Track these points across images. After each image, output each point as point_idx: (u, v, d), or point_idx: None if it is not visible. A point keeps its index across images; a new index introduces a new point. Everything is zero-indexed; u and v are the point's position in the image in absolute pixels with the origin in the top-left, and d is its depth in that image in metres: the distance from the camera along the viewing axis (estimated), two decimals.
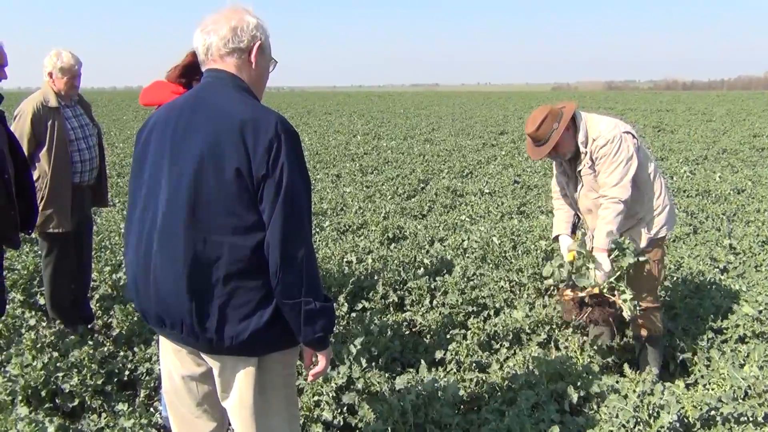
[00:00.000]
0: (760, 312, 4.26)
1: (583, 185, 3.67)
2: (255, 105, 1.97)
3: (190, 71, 3.02)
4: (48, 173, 3.95)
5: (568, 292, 3.60)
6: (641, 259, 3.50)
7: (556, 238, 3.89)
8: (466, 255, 5.96)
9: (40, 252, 4.41)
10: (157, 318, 2.02)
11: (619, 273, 3.47)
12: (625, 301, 3.40)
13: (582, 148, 3.57)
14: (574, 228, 3.91)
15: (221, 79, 2.02)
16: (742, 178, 10.36)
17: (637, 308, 3.49)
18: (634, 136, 3.57)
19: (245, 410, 2.08)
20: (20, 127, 3.94)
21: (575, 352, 3.93)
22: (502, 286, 4.98)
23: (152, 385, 3.58)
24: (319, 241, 6.60)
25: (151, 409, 3.31)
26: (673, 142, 16.21)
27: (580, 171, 3.63)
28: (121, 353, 3.82)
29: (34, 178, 3.92)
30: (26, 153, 3.89)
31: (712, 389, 3.51)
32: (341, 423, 3.17)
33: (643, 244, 3.63)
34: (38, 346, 3.56)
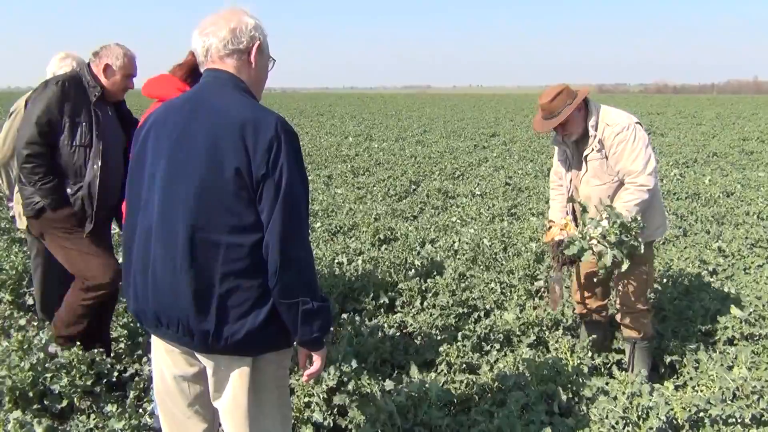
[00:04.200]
0: (749, 314, 4.29)
1: (587, 171, 3.68)
2: (255, 105, 1.98)
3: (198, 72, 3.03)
4: None
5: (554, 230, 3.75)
6: (622, 261, 3.47)
7: (551, 222, 3.92)
8: (457, 257, 5.96)
9: (29, 253, 4.38)
10: (154, 317, 2.01)
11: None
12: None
13: (591, 131, 3.59)
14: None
15: (221, 79, 2.03)
16: (732, 181, 10.42)
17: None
18: (643, 128, 3.62)
19: (238, 411, 2.07)
20: (17, 124, 3.92)
21: (565, 353, 3.94)
22: (493, 288, 4.99)
23: (141, 386, 3.56)
24: (311, 242, 6.58)
25: (140, 410, 3.30)
26: (663, 145, 16.30)
27: (587, 156, 3.65)
28: (111, 354, 3.80)
29: None
30: None
31: (701, 391, 3.53)
32: (331, 424, 3.17)
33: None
34: (26, 347, 3.54)
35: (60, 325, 3.60)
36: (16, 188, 3.99)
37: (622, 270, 3.44)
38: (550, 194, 4.07)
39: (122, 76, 3.53)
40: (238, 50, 2.04)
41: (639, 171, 3.48)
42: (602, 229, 3.42)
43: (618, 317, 3.88)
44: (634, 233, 3.40)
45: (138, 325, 4.08)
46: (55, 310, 4.21)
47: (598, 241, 3.44)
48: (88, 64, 3.54)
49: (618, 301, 3.84)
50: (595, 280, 3.89)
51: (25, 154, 3.34)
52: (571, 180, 3.82)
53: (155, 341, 2.17)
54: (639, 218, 3.43)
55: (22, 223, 3.98)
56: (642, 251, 3.45)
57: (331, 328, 3.95)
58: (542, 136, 18.76)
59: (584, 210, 3.55)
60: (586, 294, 4.00)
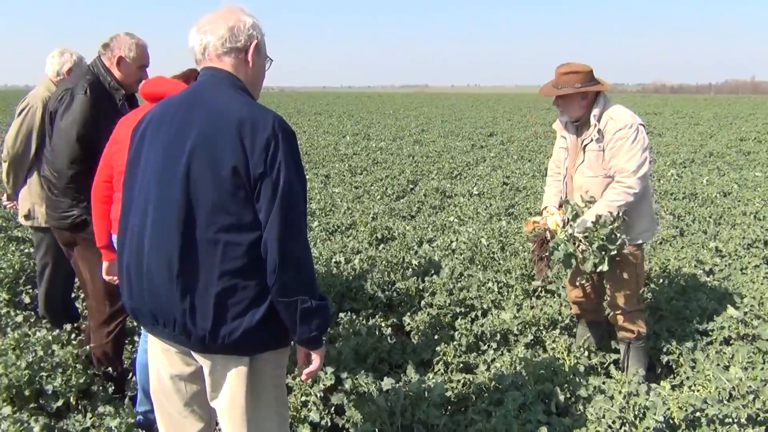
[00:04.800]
0: (745, 314, 4.29)
1: (583, 161, 3.68)
2: (252, 104, 1.99)
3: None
4: None
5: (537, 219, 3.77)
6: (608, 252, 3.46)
7: (545, 209, 3.92)
8: (455, 256, 5.96)
9: (34, 251, 4.33)
10: (150, 315, 2.01)
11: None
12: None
13: (593, 120, 3.59)
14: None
15: (218, 77, 2.04)
16: (729, 181, 10.44)
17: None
18: (646, 131, 3.63)
19: (236, 410, 2.07)
20: (29, 121, 3.93)
21: (562, 353, 3.95)
22: (490, 288, 4.99)
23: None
24: (309, 240, 6.57)
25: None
26: (661, 145, 16.32)
27: (585, 145, 3.65)
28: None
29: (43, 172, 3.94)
30: (34, 147, 3.91)
31: (698, 391, 3.54)
32: (329, 423, 3.17)
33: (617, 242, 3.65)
34: (22, 345, 3.53)
35: (105, 362, 3.52)
36: (28, 186, 4.00)
37: (603, 270, 3.43)
38: (547, 181, 4.07)
39: (137, 67, 3.41)
40: (236, 49, 2.04)
41: (630, 172, 3.47)
42: (586, 229, 3.43)
43: (611, 318, 3.88)
44: (617, 242, 3.41)
45: (135, 324, 4.08)
46: (58, 310, 4.22)
47: (581, 242, 3.44)
48: (99, 58, 3.41)
49: (609, 303, 3.84)
50: (586, 281, 3.90)
51: (71, 174, 3.22)
52: (567, 168, 3.82)
53: (152, 340, 2.16)
54: (620, 216, 3.42)
55: (30, 221, 3.99)
56: (623, 250, 3.46)
57: (330, 327, 3.95)
58: (540, 136, 18.78)
59: (575, 216, 3.53)
60: (580, 294, 4.01)
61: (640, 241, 3.70)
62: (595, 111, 3.59)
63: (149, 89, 2.98)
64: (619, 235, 3.42)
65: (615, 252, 3.41)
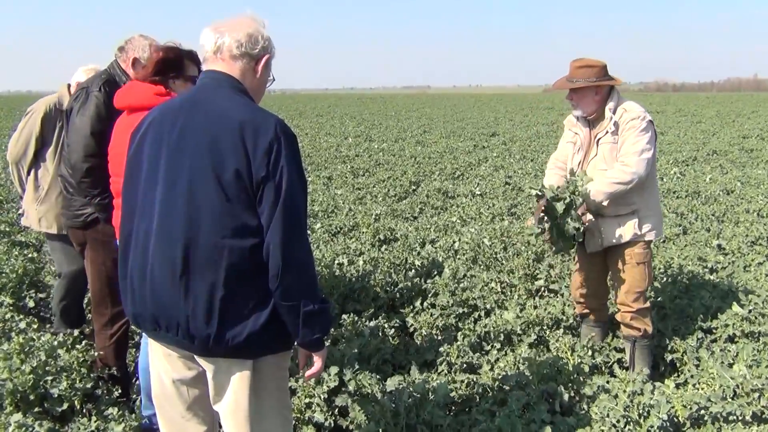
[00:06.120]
0: (749, 312, 4.29)
1: (596, 155, 3.71)
2: (253, 106, 2.00)
3: (163, 68, 2.94)
4: (50, 173, 3.96)
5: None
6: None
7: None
8: (457, 256, 5.96)
9: (50, 256, 4.35)
10: (152, 320, 2.01)
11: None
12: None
13: (608, 113, 3.65)
14: None
15: (218, 80, 2.04)
16: (732, 179, 10.42)
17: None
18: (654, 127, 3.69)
19: (239, 413, 2.07)
20: (30, 124, 3.99)
21: (566, 352, 3.94)
22: (493, 288, 4.99)
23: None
24: (311, 243, 6.58)
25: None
26: (663, 143, 16.29)
27: (599, 139, 3.69)
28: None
29: (40, 176, 4.00)
30: (33, 150, 3.98)
31: (702, 389, 3.53)
32: (332, 425, 3.17)
33: (627, 237, 3.66)
34: (26, 349, 3.54)
35: (108, 365, 3.57)
36: (28, 189, 4.02)
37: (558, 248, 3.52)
38: (546, 172, 4.09)
39: None
40: (249, 55, 2.05)
41: (632, 152, 3.53)
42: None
43: (617, 316, 3.88)
44: (577, 210, 3.46)
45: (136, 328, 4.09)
46: (71, 313, 4.24)
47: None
48: (116, 61, 3.44)
49: (617, 300, 3.85)
50: (592, 276, 3.91)
51: (86, 168, 3.21)
52: (579, 163, 3.82)
53: (153, 346, 2.16)
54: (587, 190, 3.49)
55: (38, 225, 4.01)
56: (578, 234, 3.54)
57: (332, 329, 3.96)
58: (541, 135, 18.77)
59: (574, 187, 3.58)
60: (585, 293, 4.00)
61: (650, 238, 3.71)
62: (610, 104, 3.67)
63: (123, 102, 2.97)
64: (579, 203, 3.48)
65: (576, 225, 3.48)
